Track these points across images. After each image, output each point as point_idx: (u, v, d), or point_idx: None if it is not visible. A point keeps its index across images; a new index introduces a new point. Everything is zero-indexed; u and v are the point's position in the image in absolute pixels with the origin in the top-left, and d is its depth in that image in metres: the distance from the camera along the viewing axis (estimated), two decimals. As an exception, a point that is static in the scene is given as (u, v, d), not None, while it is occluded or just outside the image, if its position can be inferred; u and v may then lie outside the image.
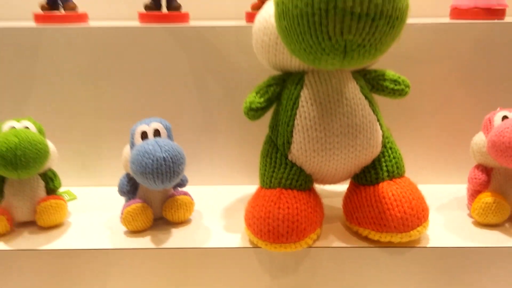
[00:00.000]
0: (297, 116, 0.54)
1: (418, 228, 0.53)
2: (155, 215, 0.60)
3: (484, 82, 0.69)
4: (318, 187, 0.61)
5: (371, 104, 0.55)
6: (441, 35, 0.68)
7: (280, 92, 0.57)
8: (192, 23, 0.74)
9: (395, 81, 0.58)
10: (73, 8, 0.74)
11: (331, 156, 0.54)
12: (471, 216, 0.61)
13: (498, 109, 0.62)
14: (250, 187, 0.65)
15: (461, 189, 0.68)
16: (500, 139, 0.55)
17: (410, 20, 0.70)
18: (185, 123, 0.72)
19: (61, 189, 0.66)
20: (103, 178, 0.73)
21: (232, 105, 0.71)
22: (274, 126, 0.58)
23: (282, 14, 0.45)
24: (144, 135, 0.58)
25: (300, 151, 0.55)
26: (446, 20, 0.75)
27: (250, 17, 0.72)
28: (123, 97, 0.71)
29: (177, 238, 0.58)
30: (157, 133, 0.58)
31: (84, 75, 0.70)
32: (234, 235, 0.58)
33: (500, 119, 0.59)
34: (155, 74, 0.70)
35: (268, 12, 0.54)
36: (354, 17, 0.42)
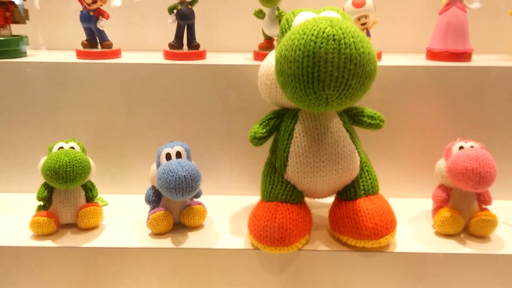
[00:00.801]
0: (292, 144, 0.67)
1: (387, 237, 0.67)
2: (175, 221, 0.74)
3: (449, 115, 0.83)
4: (309, 200, 0.74)
5: (351, 135, 0.69)
6: (416, 75, 0.81)
7: (279, 124, 0.70)
8: (209, 59, 0.88)
9: (372, 117, 0.71)
10: (109, 46, 0.87)
11: (318, 177, 0.67)
12: (433, 227, 0.75)
13: (458, 139, 0.75)
14: (253, 198, 0.78)
15: (428, 203, 0.81)
16: (454, 166, 0.68)
17: (389, 62, 0.84)
18: (202, 145, 0.85)
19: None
20: (129, 187, 0.86)
21: (238, 131, 0.84)
22: (273, 151, 0.71)
23: (280, 71, 0.59)
24: (168, 156, 0.71)
25: (294, 172, 0.68)
26: (422, 59, 0.89)
27: (257, 56, 0.86)
28: (149, 122, 0.84)
29: (192, 240, 0.71)
30: (179, 154, 0.71)
31: (117, 103, 0.83)
32: (239, 239, 0.71)
33: (457, 148, 0.72)
34: (177, 103, 0.83)
35: (270, 62, 0.68)
36: (332, 78, 0.55)
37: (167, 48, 0.87)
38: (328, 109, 0.59)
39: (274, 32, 0.84)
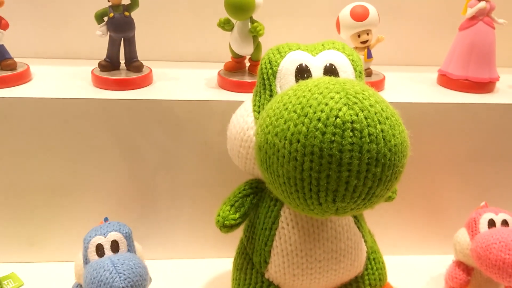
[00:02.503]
0: (276, 237, 0.48)
1: None
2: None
3: (474, 167, 0.66)
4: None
5: (357, 220, 0.50)
6: (429, 116, 0.62)
7: (258, 203, 0.50)
8: (156, 83, 0.65)
9: (382, 188, 0.53)
10: (11, 66, 0.61)
11: (312, 280, 0.49)
12: (446, 309, 0.60)
13: (483, 203, 0.59)
14: (223, 261, 0.60)
15: (435, 261, 0.67)
16: (486, 254, 0.52)
17: (392, 96, 0.65)
18: (151, 194, 0.64)
19: (6, 272, 0.59)
20: (51, 253, 0.65)
21: (204, 175, 0.64)
22: (249, 238, 0.52)
23: (264, 163, 0.39)
24: (100, 249, 0.50)
25: (279, 273, 0.49)
26: (433, 83, 0.70)
27: (222, 82, 0.63)
28: (69, 171, 0.61)
29: None
30: (115, 246, 0.51)
31: (28, 149, 0.60)
32: None
33: (486, 223, 0.56)
34: (109, 147, 0.61)
35: (246, 122, 0.47)
36: (349, 187, 0.36)
37: (97, 68, 0.63)
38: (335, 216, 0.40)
39: (245, 50, 0.61)
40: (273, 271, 0.50)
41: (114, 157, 0.61)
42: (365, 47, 0.62)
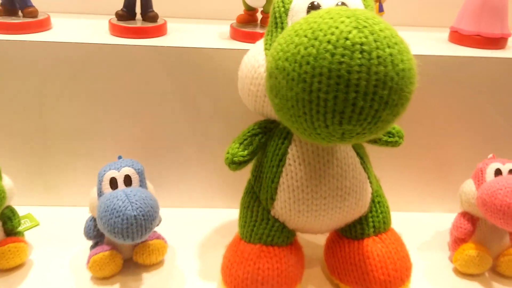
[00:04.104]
0: (283, 174, 0.49)
1: (401, 288, 0.52)
2: (126, 257, 0.56)
3: (476, 119, 0.66)
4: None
5: (363, 161, 0.51)
6: (439, 69, 0.63)
7: (266, 142, 0.52)
8: (170, 34, 0.66)
9: (389, 133, 0.54)
10: (33, 14, 0.63)
11: (316, 217, 0.50)
12: (451, 260, 0.60)
13: (491, 155, 0.59)
14: (229, 212, 0.61)
15: (443, 219, 0.67)
16: (492, 200, 0.53)
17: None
18: (163, 141, 0.66)
19: (22, 213, 0.61)
20: (67, 198, 0.67)
21: (210, 132, 0.65)
22: (257, 177, 0.53)
23: (274, 90, 0.40)
24: (113, 182, 0.52)
25: (284, 209, 0.51)
26: (445, 41, 0.70)
27: (235, 33, 0.65)
28: (88, 120, 0.64)
29: (148, 285, 0.54)
30: (128, 180, 0.53)
31: (43, 95, 0.62)
32: (210, 284, 0.55)
33: (493, 172, 0.56)
34: (125, 96, 0.63)
35: (257, 60, 0.48)
36: (355, 109, 0.37)
37: (114, 18, 0.65)
38: (342, 144, 0.41)
39: (258, 2, 0.62)
40: (279, 208, 0.51)
41: (131, 103, 0.63)
42: (377, 1, 0.63)
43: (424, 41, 0.70)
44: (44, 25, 0.64)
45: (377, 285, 0.51)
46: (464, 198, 0.59)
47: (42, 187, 0.67)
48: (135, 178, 0.53)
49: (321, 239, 0.58)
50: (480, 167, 0.58)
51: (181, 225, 0.66)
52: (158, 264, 0.58)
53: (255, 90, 0.49)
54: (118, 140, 0.65)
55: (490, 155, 0.59)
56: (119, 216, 0.48)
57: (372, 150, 0.65)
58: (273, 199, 0.51)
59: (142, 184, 0.54)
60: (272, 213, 0.52)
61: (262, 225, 0.52)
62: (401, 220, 0.68)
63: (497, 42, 0.65)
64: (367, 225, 0.54)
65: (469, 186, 0.59)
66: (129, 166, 0.53)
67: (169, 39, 0.64)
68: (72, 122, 0.63)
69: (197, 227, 0.66)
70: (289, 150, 0.49)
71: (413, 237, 0.65)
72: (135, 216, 0.48)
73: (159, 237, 0.57)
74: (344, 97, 0.36)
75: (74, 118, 0.63)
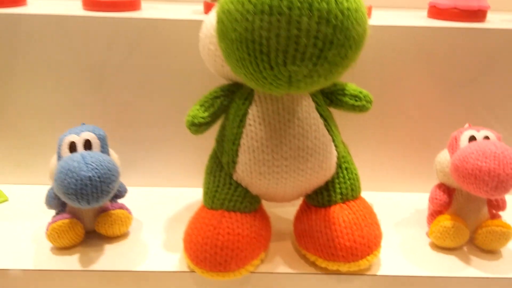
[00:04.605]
0: (244, 135, 0.48)
1: (368, 257, 0.49)
2: (88, 229, 0.55)
3: (456, 91, 0.63)
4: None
5: (327, 123, 0.50)
6: (415, 39, 0.61)
7: (229, 105, 0.51)
8: (144, 11, 0.65)
9: (356, 97, 0.52)
10: None
11: (278, 179, 0.49)
12: (428, 235, 0.58)
13: (467, 125, 0.57)
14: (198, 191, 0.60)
15: (421, 198, 0.65)
16: (463, 164, 0.51)
17: (380, 21, 0.65)
18: (131, 119, 0.65)
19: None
20: (38, 176, 0.66)
21: (183, 103, 0.64)
22: (220, 141, 0.52)
23: (221, 34, 0.39)
24: (72, 147, 0.51)
25: (246, 172, 0.49)
26: (423, 17, 0.69)
27: (208, 7, 0.64)
28: (56, 95, 0.63)
29: (109, 257, 0.53)
30: (88, 144, 0.52)
31: (15, 67, 0.62)
32: (173, 256, 0.53)
33: (467, 139, 0.54)
34: (95, 69, 0.62)
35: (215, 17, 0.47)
36: (299, 47, 0.35)
37: (85, -8, 0.65)
38: (292, 91, 0.40)
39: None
40: (241, 171, 0.49)
41: (103, 81, 0.63)
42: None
43: (402, 17, 0.69)
44: (19, 0, 0.65)
45: (342, 252, 0.49)
46: (439, 168, 0.57)
47: (13, 165, 0.66)
48: (95, 143, 0.52)
49: (292, 212, 0.57)
50: (455, 135, 0.56)
51: (153, 203, 0.65)
52: (122, 236, 0.56)
53: (214, 49, 0.48)
54: (91, 120, 0.63)
55: (466, 125, 0.57)
56: (73, 176, 0.46)
57: (356, 131, 0.64)
58: (234, 162, 0.50)
59: (104, 150, 0.53)
60: (234, 177, 0.50)
61: (224, 190, 0.50)
62: (381, 199, 0.67)
63: (474, 15, 0.64)
64: (334, 191, 0.52)
65: (443, 156, 0.56)
66: (89, 131, 0.52)
67: (143, 13, 0.64)
68: (44, 99, 0.63)
69: (169, 205, 0.64)
70: (249, 110, 0.48)
71: (392, 215, 0.63)
72: (90, 177, 0.47)
73: (122, 207, 0.55)
74: (286, 35, 0.35)
75: (46, 96, 0.63)
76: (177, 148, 0.67)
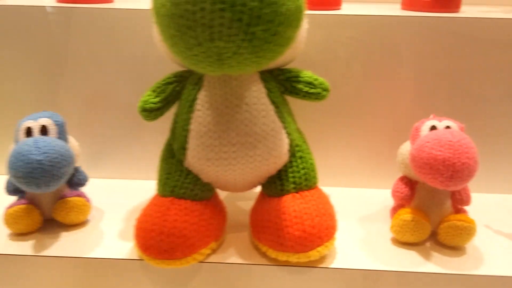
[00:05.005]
0: (192, 120, 0.48)
1: (319, 249, 0.48)
2: (47, 216, 0.55)
3: (425, 83, 0.62)
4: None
5: (279, 110, 0.49)
6: (384, 28, 0.60)
7: (181, 91, 0.51)
8: (117, 3, 0.67)
9: (310, 84, 0.51)
10: None
11: (227, 166, 0.48)
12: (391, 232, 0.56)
13: (431, 116, 0.56)
14: None
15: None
16: (419, 154, 0.49)
17: (347, 11, 0.64)
18: (91, 117, 0.66)
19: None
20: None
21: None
22: (173, 128, 0.52)
23: (155, 12, 0.39)
24: (29, 132, 0.52)
25: (195, 158, 0.49)
26: (397, 9, 0.68)
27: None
28: (13, 85, 0.65)
29: (63, 244, 0.53)
30: (44, 130, 0.52)
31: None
32: (128, 244, 0.53)
33: (428, 129, 0.53)
34: (58, 58, 0.63)
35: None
36: (224, 22, 0.35)
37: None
38: (226, 70, 0.39)
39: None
40: (190, 157, 0.49)
41: (73, 72, 0.64)
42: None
43: (374, 9, 0.68)
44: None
45: (291, 242, 0.48)
46: (400, 160, 0.55)
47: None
48: (52, 129, 0.53)
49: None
50: (416, 125, 0.54)
51: (119, 194, 0.65)
52: (81, 224, 0.57)
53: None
54: (56, 109, 0.65)
55: (431, 116, 0.56)
56: (23, 160, 0.47)
57: (324, 125, 0.62)
58: (184, 149, 0.49)
59: (61, 137, 0.53)
60: (185, 164, 0.50)
61: (175, 177, 0.50)
62: (352, 195, 0.66)
63: (447, 5, 0.63)
64: (287, 180, 0.51)
65: (405, 147, 0.55)
66: (47, 117, 0.53)
67: (114, 5, 0.65)
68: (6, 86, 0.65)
69: (135, 197, 0.64)
70: (198, 95, 0.48)
71: (360, 210, 0.62)
72: (39, 160, 0.47)
73: (80, 194, 0.56)
74: (211, 9, 0.35)
75: (13, 82, 0.65)
76: (145, 141, 0.67)
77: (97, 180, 0.67)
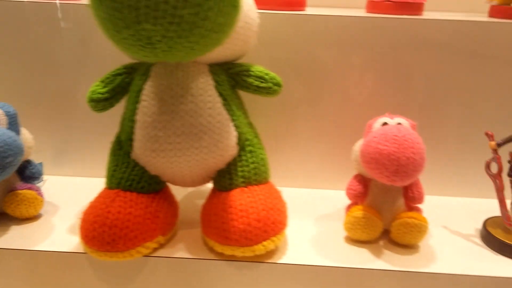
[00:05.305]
0: (138, 111, 0.48)
1: (264, 243, 0.47)
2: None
3: (384, 81, 0.62)
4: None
5: (227, 102, 0.49)
6: (346, 29, 0.61)
7: (130, 82, 0.51)
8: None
9: (261, 78, 0.51)
10: None
11: (172, 157, 0.48)
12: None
13: (386, 114, 0.56)
14: None
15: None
16: (366, 149, 0.49)
17: (311, 11, 0.65)
18: (63, 112, 0.66)
19: None
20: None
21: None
22: (122, 120, 0.52)
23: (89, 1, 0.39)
24: (-22, 122, 0.52)
25: (141, 150, 0.49)
26: (361, 12, 0.68)
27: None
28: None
29: (11, 236, 0.52)
30: (-8, 120, 0.52)
31: None
32: (76, 238, 0.52)
33: (379, 126, 0.53)
34: (12, 50, 0.64)
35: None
36: (150, 3, 0.35)
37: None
38: (161, 56, 0.39)
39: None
40: (136, 149, 0.49)
41: (37, 68, 0.64)
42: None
43: (338, 11, 0.69)
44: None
45: (236, 235, 0.47)
46: (353, 157, 0.55)
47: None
48: (2, 120, 0.52)
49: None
50: (369, 122, 0.54)
51: (78, 192, 0.64)
52: (33, 218, 0.56)
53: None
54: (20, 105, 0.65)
55: (386, 114, 0.56)
56: (-33, 148, 0.47)
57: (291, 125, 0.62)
58: (131, 140, 0.49)
59: (12, 128, 0.53)
60: (132, 156, 0.50)
61: (122, 169, 0.50)
62: (307, 196, 0.66)
63: (409, 7, 0.63)
64: (236, 174, 0.51)
65: (358, 144, 0.55)
66: (-2, 108, 0.53)
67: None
68: None
69: (93, 194, 0.63)
70: (145, 86, 0.48)
71: (318, 210, 0.61)
72: (-18, 148, 0.47)
73: (31, 188, 0.55)
74: None
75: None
76: (108, 139, 0.67)
77: (60, 178, 0.67)
